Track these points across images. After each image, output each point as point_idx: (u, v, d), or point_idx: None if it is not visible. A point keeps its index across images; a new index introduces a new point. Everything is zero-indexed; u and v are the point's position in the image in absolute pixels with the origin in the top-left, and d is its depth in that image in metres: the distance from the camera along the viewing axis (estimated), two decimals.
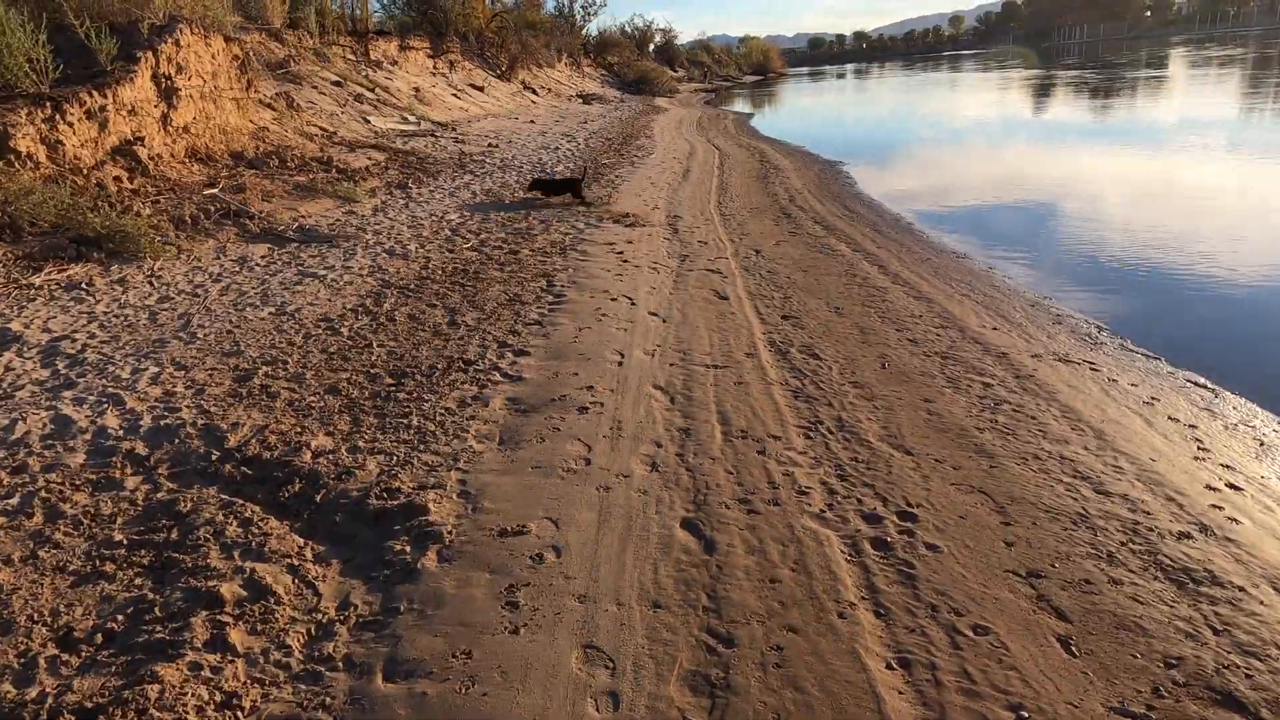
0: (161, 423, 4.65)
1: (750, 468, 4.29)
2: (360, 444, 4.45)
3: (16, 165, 8.13)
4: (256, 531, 3.62)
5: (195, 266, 7.95)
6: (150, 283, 7.39)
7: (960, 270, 8.82)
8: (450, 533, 3.60)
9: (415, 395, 5.09)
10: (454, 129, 20.08)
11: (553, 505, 3.86)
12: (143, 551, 3.50)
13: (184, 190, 9.92)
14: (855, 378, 5.58)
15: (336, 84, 19.35)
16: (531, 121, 24.69)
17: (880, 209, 12.70)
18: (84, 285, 7.17)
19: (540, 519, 3.75)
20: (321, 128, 15.96)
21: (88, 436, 4.49)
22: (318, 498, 3.92)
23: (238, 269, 7.97)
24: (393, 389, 5.20)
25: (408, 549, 3.51)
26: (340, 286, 7.46)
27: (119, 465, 4.20)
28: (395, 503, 3.83)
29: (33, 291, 6.95)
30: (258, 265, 8.13)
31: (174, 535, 3.60)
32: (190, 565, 3.37)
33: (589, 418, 4.83)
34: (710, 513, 3.85)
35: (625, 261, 8.67)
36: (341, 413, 4.85)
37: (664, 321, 6.70)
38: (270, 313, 6.67)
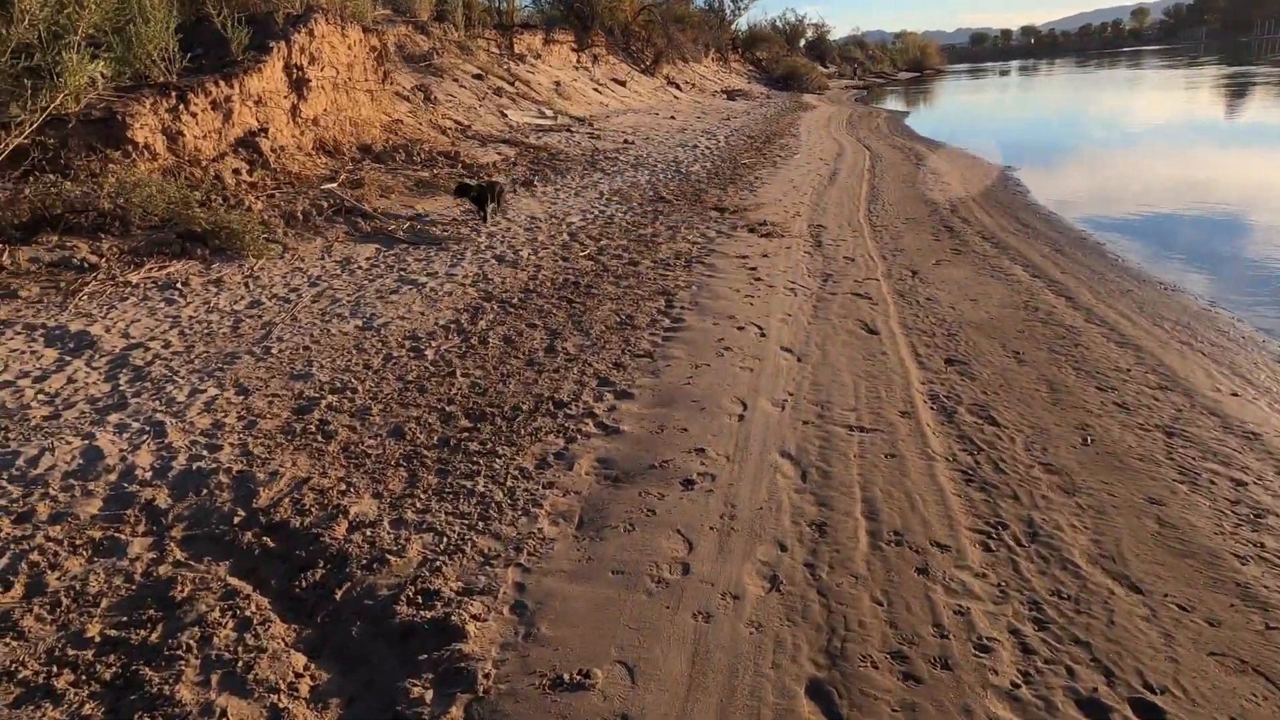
0: (195, 465, 3.98)
1: (908, 597, 3.12)
2: (408, 514, 3.59)
3: (134, 156, 7.94)
4: (251, 643, 2.80)
5: (296, 268, 7.47)
6: (246, 284, 6.94)
7: (1172, 307, 7.14)
8: (488, 676, 2.66)
9: (489, 447, 4.21)
10: (590, 124, 19.46)
11: (630, 640, 2.85)
12: (110, 658, 2.75)
13: (302, 184, 9.59)
14: (1048, 458, 4.25)
15: (477, 77, 19.13)
16: (672, 117, 23.80)
17: (1060, 223, 10.93)
18: (179, 285, 6.78)
19: (611, 662, 2.74)
20: (456, 121, 15.65)
21: (112, 477, 3.87)
22: (339, 593, 3.07)
23: (338, 272, 7.43)
24: (465, 436, 4.34)
25: (428, 696, 2.59)
26: (438, 298, 6.74)
27: (132, 520, 3.53)
28: (429, 615, 2.93)
29: (128, 290, 6.61)
30: (359, 269, 7.57)
31: (154, 636, 2.85)
32: (154, 692, 2.59)
33: (695, 497, 3.79)
34: (849, 674, 2.73)
35: (758, 280, 7.55)
36: (398, 466, 4.02)
37: (799, 361, 5.55)
38: (356, 327, 6.01)
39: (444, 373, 5.21)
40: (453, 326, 6.08)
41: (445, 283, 7.17)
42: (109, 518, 3.56)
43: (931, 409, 4.83)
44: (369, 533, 3.44)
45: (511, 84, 20.10)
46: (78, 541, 3.39)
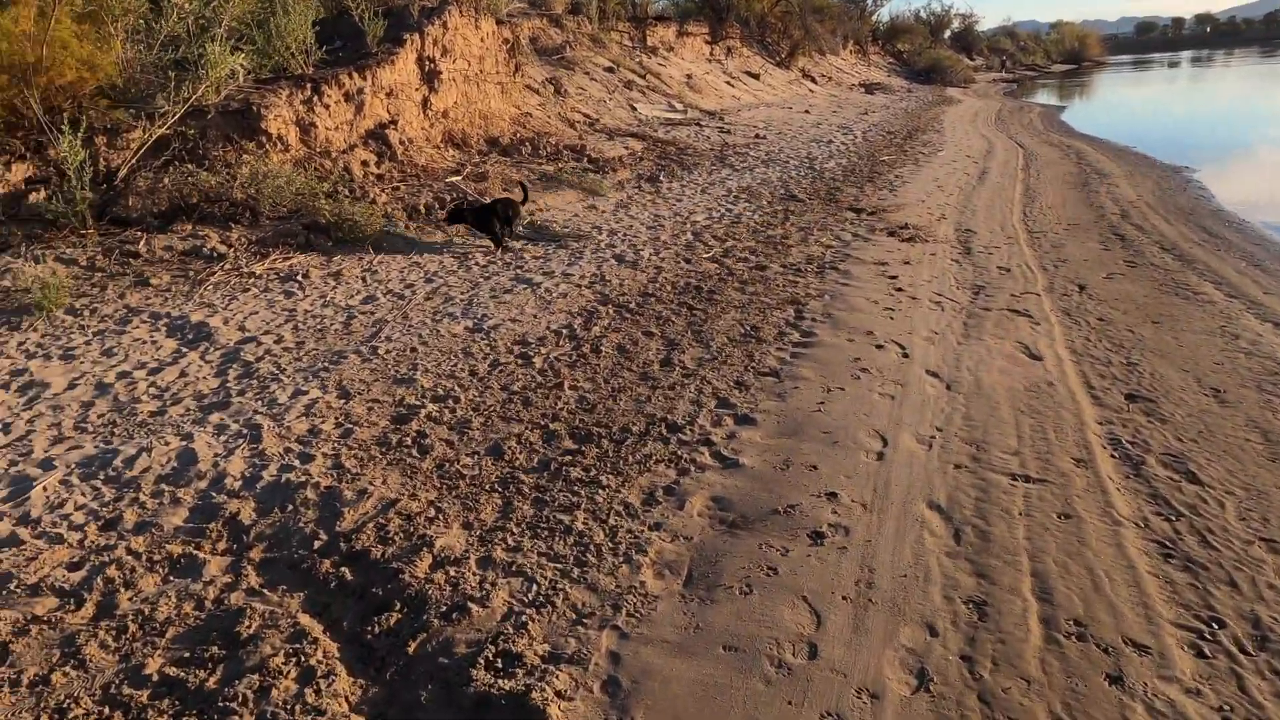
0: (284, 477, 3.75)
1: (1098, 717, 2.46)
2: (498, 552, 3.21)
3: (267, 147, 8.03)
4: (310, 702, 2.48)
5: (413, 263, 7.33)
6: (364, 278, 6.84)
7: None
8: None
9: (592, 475, 3.79)
10: (721, 118, 18.88)
11: None
12: (164, 704, 2.49)
13: (428, 177, 9.54)
14: (1272, 531, 3.43)
15: (609, 70, 18.92)
16: (806, 111, 22.87)
17: (1255, 234, 9.51)
18: (299, 277, 6.75)
19: None
20: (585, 114, 15.45)
21: (202, 484, 3.69)
22: (413, 645, 2.72)
23: (455, 268, 7.24)
24: (568, 460, 3.94)
25: None
26: (552, 299, 6.41)
27: (213, 536, 3.32)
28: (507, 686, 2.52)
29: (251, 280, 6.62)
30: (476, 265, 7.35)
31: (213, 681, 2.57)
32: None
33: (825, 555, 3.23)
34: None
35: (899, 290, 6.82)
36: (493, 491, 3.66)
37: (948, 389, 4.85)
38: (466, 328, 5.75)
39: (551, 384, 4.83)
40: (564, 332, 5.71)
41: (561, 283, 6.83)
42: (191, 531, 3.36)
43: (1113, 457, 4.06)
44: (453, 572, 3.08)
45: (642, 77, 19.78)
46: (156, 557, 3.19)
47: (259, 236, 7.30)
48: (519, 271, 7.19)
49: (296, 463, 3.88)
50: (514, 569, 3.10)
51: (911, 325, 5.95)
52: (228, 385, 4.80)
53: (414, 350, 5.33)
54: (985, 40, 73.57)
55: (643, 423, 4.33)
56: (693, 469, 3.87)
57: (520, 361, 5.18)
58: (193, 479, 3.74)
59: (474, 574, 3.07)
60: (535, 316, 6.01)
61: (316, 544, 3.27)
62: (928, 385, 4.90)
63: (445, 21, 10.99)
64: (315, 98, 8.66)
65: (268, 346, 5.38)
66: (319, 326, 5.77)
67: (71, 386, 4.77)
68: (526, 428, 4.28)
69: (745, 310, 6.22)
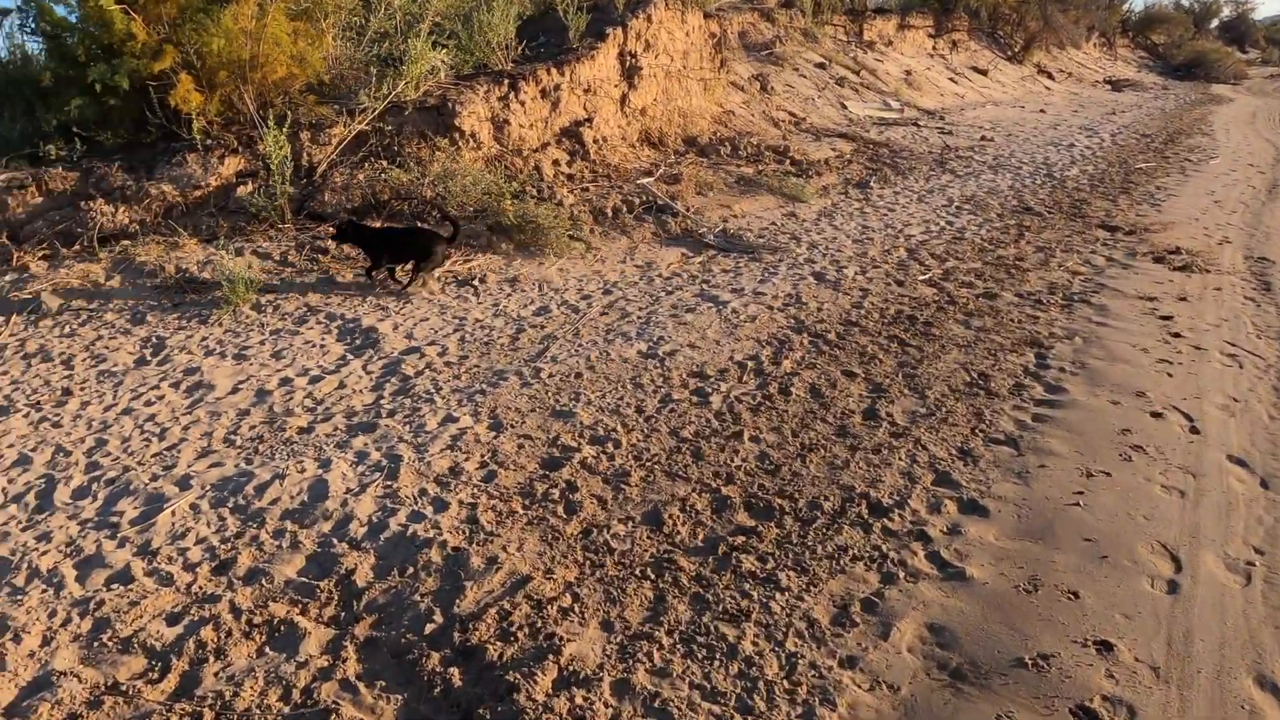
0: (412, 529, 3.25)
1: None
2: (639, 676, 2.50)
3: (460, 144, 7.84)
4: None
5: (595, 270, 6.81)
6: (540, 286, 6.40)
7: None
8: None
9: (769, 568, 2.99)
10: (942, 117, 17.20)
11: None
12: None
13: (619, 177, 9.06)
14: None
15: (819, 66, 17.80)
16: (1041, 111, 20.47)
17: None
18: (475, 281, 6.42)
19: None
20: (791, 113, 14.50)
21: (326, 527, 3.28)
22: None
23: (636, 279, 6.64)
24: (740, 542, 3.16)
25: None
26: (738, 323, 5.63)
27: (322, 598, 2.86)
28: None
29: (430, 282, 6.37)
30: (659, 277, 6.71)
31: None
32: None
33: None
34: None
35: (1175, 336, 5.42)
36: (644, 578, 2.96)
37: (1264, 487, 3.58)
38: (638, 352, 5.11)
39: (729, 432, 4.07)
40: (750, 364, 4.92)
41: (750, 303, 6.03)
42: (301, 589, 2.92)
43: None
44: (580, 698, 2.41)
45: (856, 73, 18.46)
46: (257, 620, 2.77)
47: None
48: (705, 286, 6.48)
49: (429, 510, 3.38)
50: (656, 706, 2.38)
51: (1199, 387, 4.61)
52: (380, 403, 4.44)
53: (579, 376, 4.75)
54: (1263, 30, 63.95)
55: (837, 497, 3.47)
56: (902, 575, 2.96)
57: (695, 399, 4.45)
58: (318, 518, 3.34)
59: (605, 706, 2.38)
60: (717, 343, 5.27)
61: (429, 627, 2.71)
62: (1233, 478, 3.65)
63: (650, 15, 10.49)
64: (511, 94, 8.40)
65: (430, 360, 5.02)
66: (486, 339, 5.35)
67: (234, 391, 4.61)
68: (694, 489, 3.55)
69: (971, 350, 5.13)
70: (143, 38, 6.49)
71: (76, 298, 5.99)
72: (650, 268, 6.96)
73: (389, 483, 3.59)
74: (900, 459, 3.79)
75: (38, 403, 4.48)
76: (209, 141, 7.06)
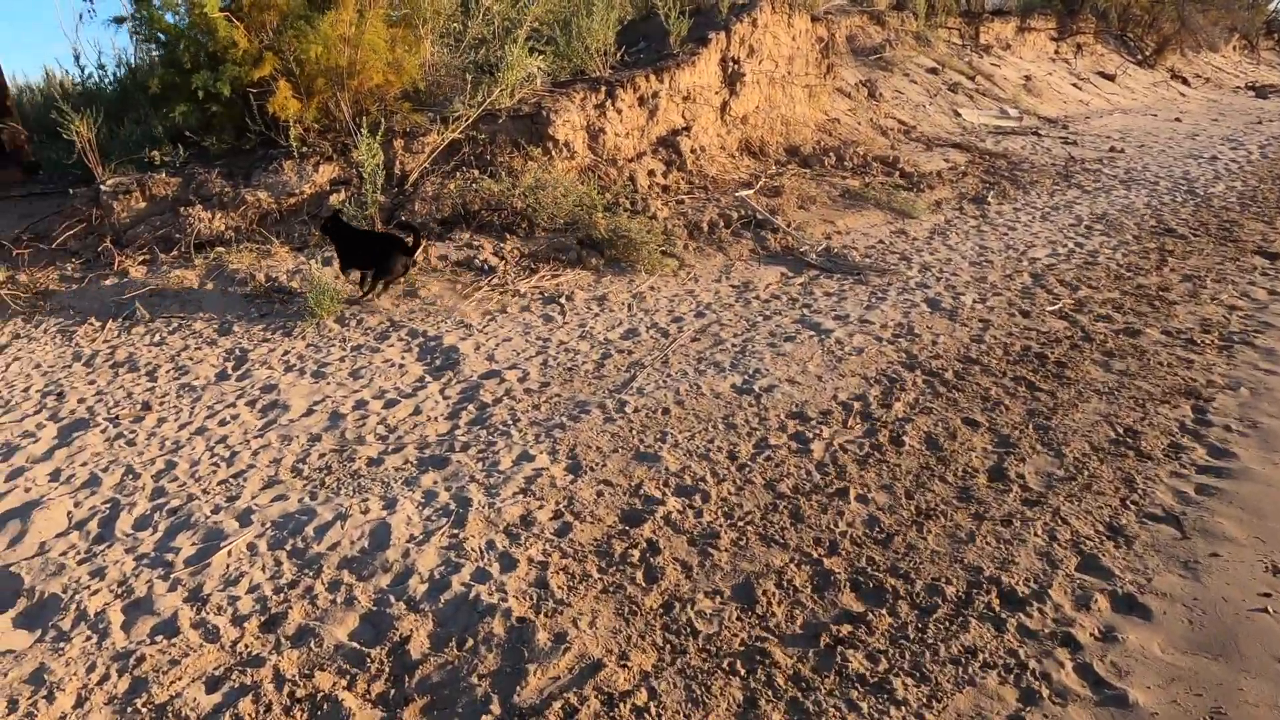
0: (475, 590, 2.94)
1: None
2: None
3: (553, 153, 7.59)
4: None
5: (688, 289, 6.42)
6: (629, 306, 6.06)
7: None
8: None
9: (879, 671, 2.53)
10: (1065, 126, 16.07)
11: None
12: None
13: (717, 189, 8.64)
14: None
15: (931, 71, 16.92)
16: (1176, 119, 18.92)
17: None
18: (562, 299, 6.13)
19: None
20: (900, 121, 13.76)
21: (385, 581, 3.00)
22: None
23: (731, 300, 6.22)
24: (845, 632, 2.71)
25: None
26: (842, 356, 5.14)
27: (371, 670, 2.57)
28: None
29: (514, 299, 6.13)
30: (756, 299, 6.27)
31: None
32: None
33: None
34: None
35: None
36: (732, 673, 2.55)
37: None
38: (732, 386, 4.69)
39: (832, 489, 3.61)
40: (856, 405, 4.43)
41: (856, 332, 5.52)
42: (350, 656, 2.64)
43: None
44: None
45: (971, 78, 17.47)
46: (300, 693, 2.50)
47: (532, 249, 6.83)
48: (805, 310, 5.99)
49: (495, 568, 3.06)
50: None
51: None
52: (455, 434, 4.17)
53: (666, 412, 4.37)
54: None
55: (962, 580, 2.97)
56: (1046, 693, 2.45)
57: (794, 446, 4.00)
58: (377, 570, 3.06)
59: None
60: (820, 379, 4.79)
61: (485, 718, 2.38)
62: None
63: (755, 19, 10.03)
64: (608, 102, 8.11)
65: (509, 385, 4.73)
66: (569, 364, 5.03)
67: (308, 413, 4.43)
68: (792, 559, 3.11)
69: (1113, 399, 4.49)
70: (243, 45, 6.48)
71: (170, 304, 6.00)
72: (747, 288, 6.52)
73: (455, 531, 3.29)
74: (1036, 534, 3.25)
75: (116, 417, 4.41)
76: (304, 149, 7.02)
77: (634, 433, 4.14)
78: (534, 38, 8.17)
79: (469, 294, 6.17)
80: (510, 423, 4.27)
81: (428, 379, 4.87)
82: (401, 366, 5.02)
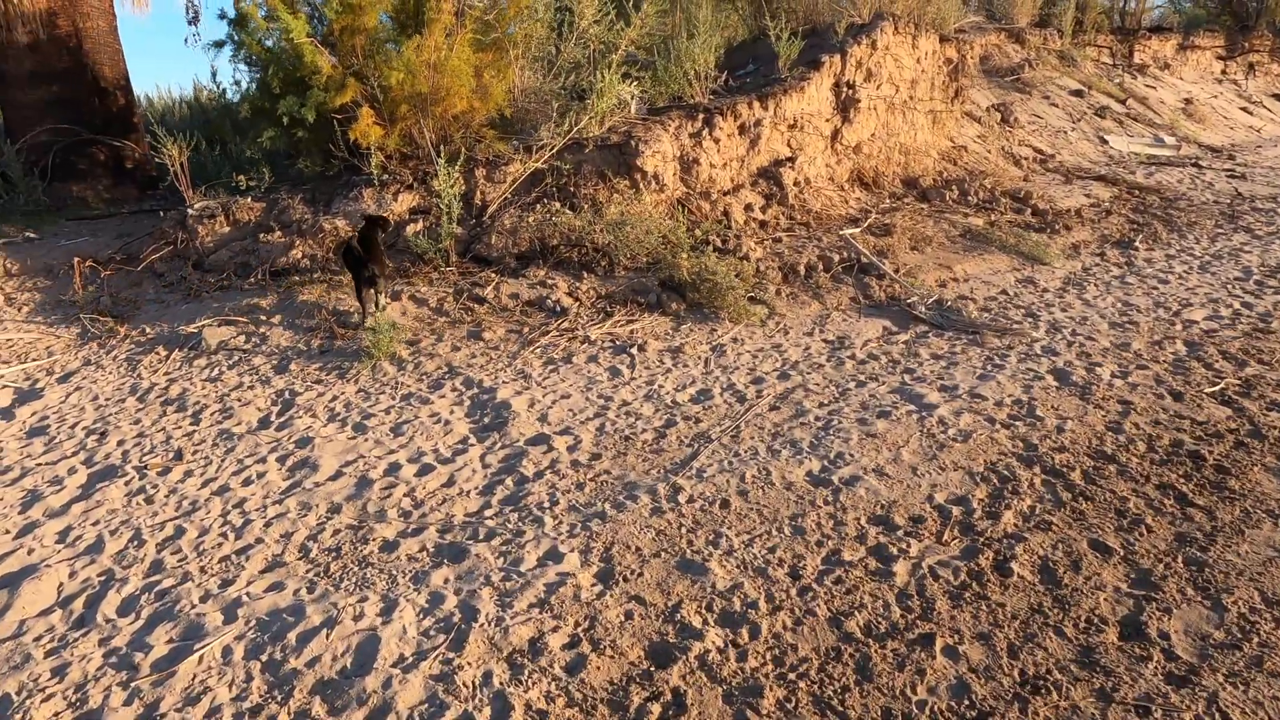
0: None
1: None
2: None
3: (640, 186, 7.11)
4: None
5: (774, 344, 5.78)
6: (706, 361, 5.48)
7: None
8: None
9: None
10: (1231, 156, 14.34)
11: None
12: None
13: (821, 225, 7.94)
14: None
15: (1075, 94, 15.50)
16: None
17: None
18: (634, 349, 5.62)
19: None
20: (1036, 149, 12.57)
21: (358, 716, 2.54)
22: None
23: (822, 360, 5.54)
24: None
25: None
26: (945, 441, 4.38)
27: None
28: None
29: (581, 347, 5.67)
30: (850, 359, 5.56)
31: None
32: None
33: None
34: None
35: None
36: None
37: None
38: (807, 475, 4.03)
39: (914, 633, 2.92)
40: (955, 512, 3.70)
41: (964, 410, 4.74)
42: None
43: None
44: None
45: (1121, 101, 15.91)
46: None
47: (609, 290, 6.36)
48: (906, 377, 5.25)
49: (485, 713, 2.55)
50: None
51: None
52: (483, 515, 3.71)
53: (725, 505, 3.77)
54: None
55: None
56: None
57: (872, 564, 3.32)
58: (351, 702, 2.62)
59: None
60: (914, 471, 4.07)
61: None
62: None
63: (874, 40, 9.26)
64: (705, 130, 7.56)
65: (556, 455, 4.25)
66: (627, 432, 4.51)
67: (337, 475, 4.09)
68: None
69: None
70: (326, 70, 6.32)
71: (237, 335, 5.86)
72: (842, 345, 5.81)
73: (451, 655, 2.81)
74: None
75: (145, 466, 4.20)
76: (385, 176, 6.81)
77: (683, 531, 3.56)
78: (630, 62, 7.72)
79: (534, 339, 5.74)
80: (547, 506, 3.78)
81: (471, 440, 4.45)
82: (447, 424, 4.63)
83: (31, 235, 7.54)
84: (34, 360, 5.68)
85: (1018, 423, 4.59)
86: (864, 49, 9.18)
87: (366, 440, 4.45)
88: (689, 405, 4.86)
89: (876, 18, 9.62)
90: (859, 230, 7.78)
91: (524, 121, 7.38)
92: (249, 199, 6.96)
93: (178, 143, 6.74)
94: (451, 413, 4.77)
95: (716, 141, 7.65)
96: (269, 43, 6.58)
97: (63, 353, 5.80)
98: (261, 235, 6.67)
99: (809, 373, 5.34)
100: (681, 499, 3.81)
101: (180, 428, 4.65)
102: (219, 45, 6.95)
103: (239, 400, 4.97)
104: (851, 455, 4.21)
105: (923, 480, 3.98)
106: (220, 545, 3.51)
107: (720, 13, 10.25)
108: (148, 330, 6.06)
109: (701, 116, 7.62)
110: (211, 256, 6.75)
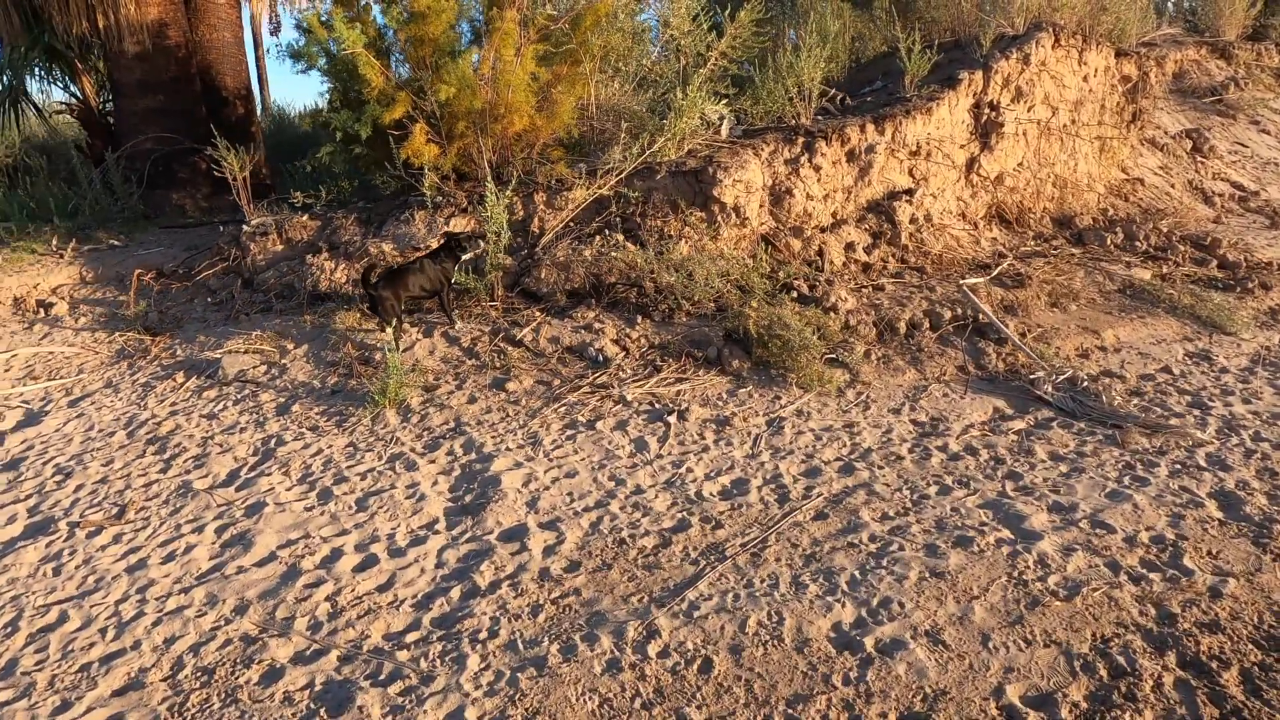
0: None
1: None
2: None
3: (718, 219, 6.20)
4: None
5: (848, 422, 4.73)
6: (755, 439, 4.51)
7: None
8: None
9: None
10: None
11: None
12: None
13: (939, 271, 6.72)
14: None
15: None
16: None
17: None
18: (673, 415, 4.73)
19: None
20: (1234, 184, 10.55)
21: None
22: None
23: (905, 449, 4.43)
24: None
25: None
26: (1038, 591, 3.21)
27: None
28: None
29: (612, 409, 4.84)
30: (940, 451, 4.41)
31: None
32: None
33: None
34: None
35: None
36: None
37: None
38: (831, 629, 3.01)
39: None
40: (1066, 706, 2.58)
41: (1078, 544, 3.53)
42: None
43: None
44: None
45: None
46: None
47: (663, 339, 5.51)
48: (1006, 488, 4.06)
49: None
50: None
51: None
52: (402, 642, 2.97)
53: (707, 668, 2.82)
54: None
55: None
56: None
57: None
58: None
59: None
60: (985, 641, 2.95)
61: None
62: None
63: (1028, 55, 7.88)
64: (804, 156, 6.55)
65: (528, 558, 3.45)
66: (625, 534, 3.64)
67: (268, 559, 3.47)
68: None
69: None
70: (377, 84, 5.84)
71: (257, 365, 5.45)
72: (934, 429, 4.67)
73: None
74: None
75: (78, 524, 3.75)
76: (439, 199, 6.27)
77: (635, 707, 2.65)
78: (723, 79, 6.83)
79: (563, 394, 4.98)
80: (483, 637, 2.98)
81: (439, 525, 3.72)
82: (421, 500, 3.93)
83: (115, 243, 7.58)
84: (61, 378, 5.51)
85: (1153, 575, 3.34)
86: (1013, 64, 7.82)
87: (323, 514, 3.82)
88: (714, 501, 3.92)
89: (1033, 28, 8.21)
90: (984, 280, 6.50)
91: (599, 143, 6.65)
92: (305, 216, 6.62)
93: (239, 155, 6.48)
94: (434, 484, 4.07)
95: (817, 169, 6.61)
96: (323, 55, 6.19)
97: (91, 371, 5.60)
98: (309, 256, 6.30)
99: (881, 467, 4.25)
100: (652, 650, 2.90)
101: (145, 475, 4.21)
102: (295, 57, 6.65)
103: (221, 446, 4.50)
104: (901, 605, 3.14)
105: (994, 658, 2.87)
106: (90, 648, 2.95)
107: (848, 22, 9.16)
108: (179, 352, 5.79)
109: (801, 140, 6.60)
110: (261, 276, 6.45)
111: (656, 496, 3.96)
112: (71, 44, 8.64)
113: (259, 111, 11.04)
